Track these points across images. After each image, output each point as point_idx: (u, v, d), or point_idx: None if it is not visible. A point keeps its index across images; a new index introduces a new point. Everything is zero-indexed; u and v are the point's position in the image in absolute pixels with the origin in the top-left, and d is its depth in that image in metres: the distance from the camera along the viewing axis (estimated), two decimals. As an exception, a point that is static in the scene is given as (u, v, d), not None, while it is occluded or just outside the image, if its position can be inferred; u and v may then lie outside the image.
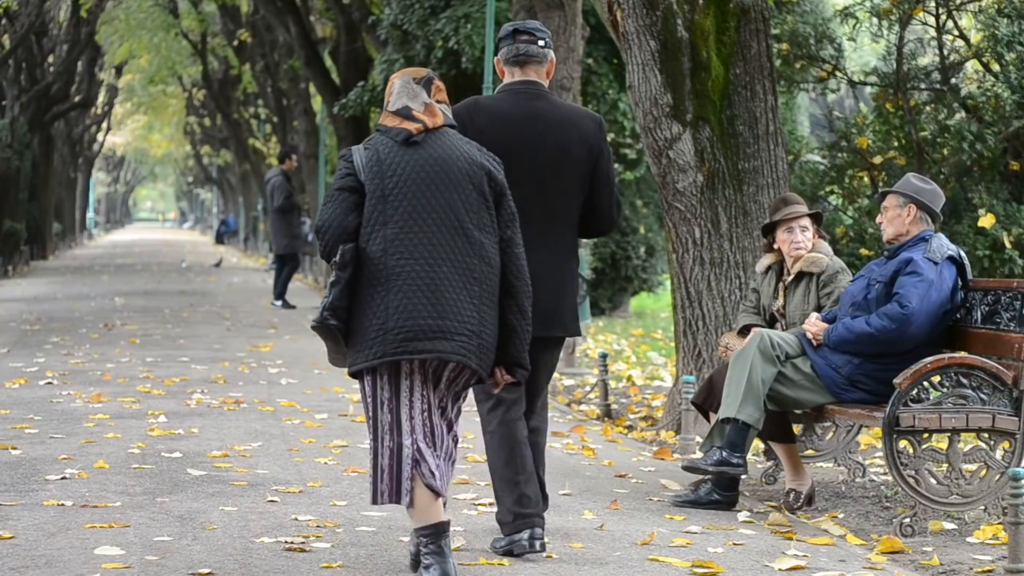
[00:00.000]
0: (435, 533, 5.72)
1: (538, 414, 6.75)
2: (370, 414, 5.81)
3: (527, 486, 6.42)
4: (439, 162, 5.87)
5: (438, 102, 6.02)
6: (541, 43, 6.68)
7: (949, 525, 7.43)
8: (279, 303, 23.14)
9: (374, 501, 5.79)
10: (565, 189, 6.65)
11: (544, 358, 6.68)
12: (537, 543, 6.36)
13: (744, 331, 8.39)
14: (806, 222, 8.36)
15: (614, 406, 12.03)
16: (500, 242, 5.96)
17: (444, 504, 5.81)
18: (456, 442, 5.95)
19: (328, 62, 32.54)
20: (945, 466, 7.28)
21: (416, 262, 5.76)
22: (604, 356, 11.99)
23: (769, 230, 8.51)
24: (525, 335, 5.96)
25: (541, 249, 6.52)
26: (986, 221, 11.35)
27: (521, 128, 6.59)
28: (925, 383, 7.31)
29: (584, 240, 17.95)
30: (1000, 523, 7.16)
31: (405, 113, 5.95)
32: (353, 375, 5.84)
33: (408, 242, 5.78)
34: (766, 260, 8.54)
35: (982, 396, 7.29)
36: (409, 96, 5.99)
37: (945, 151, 11.94)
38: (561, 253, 6.67)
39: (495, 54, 6.78)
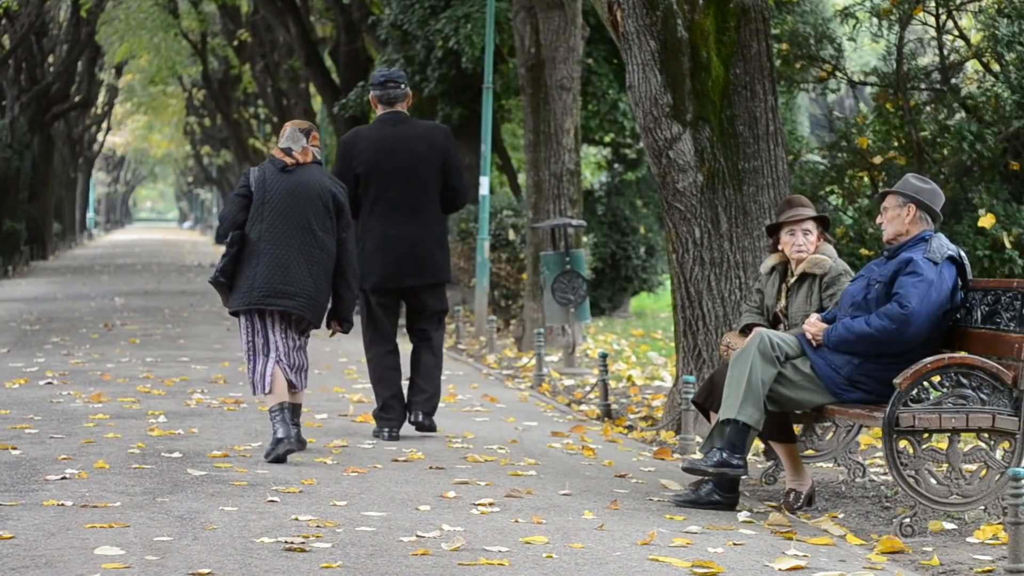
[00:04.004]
0: (281, 408, 8.79)
1: (434, 337, 9.99)
2: (248, 339, 9.02)
3: (391, 400, 9.81)
4: (302, 186, 9.03)
5: (312, 146, 9.12)
6: (403, 87, 9.96)
7: (949, 525, 7.43)
8: None
9: (254, 392, 9.02)
10: (425, 181, 9.86)
11: (429, 298, 9.97)
12: (392, 436, 9.77)
13: (746, 330, 8.39)
14: (809, 225, 8.35)
15: (614, 406, 12.02)
16: (337, 242, 9.08)
17: (299, 406, 9.11)
18: (306, 360, 9.11)
19: (328, 62, 32.53)
20: (945, 466, 7.28)
21: (277, 247, 8.93)
22: (604, 356, 11.98)
23: (773, 231, 8.51)
24: (351, 301, 9.21)
25: (412, 224, 9.82)
26: (986, 221, 11.33)
27: (391, 143, 9.85)
28: (925, 383, 7.30)
29: (584, 240, 18.05)
30: (1000, 523, 7.16)
31: (287, 151, 9.10)
32: (233, 314, 9.07)
33: (274, 234, 8.95)
34: (770, 261, 8.54)
35: (982, 396, 7.29)
36: (293, 141, 9.14)
37: (945, 151, 11.93)
38: (428, 223, 9.86)
39: (371, 90, 10.01)
